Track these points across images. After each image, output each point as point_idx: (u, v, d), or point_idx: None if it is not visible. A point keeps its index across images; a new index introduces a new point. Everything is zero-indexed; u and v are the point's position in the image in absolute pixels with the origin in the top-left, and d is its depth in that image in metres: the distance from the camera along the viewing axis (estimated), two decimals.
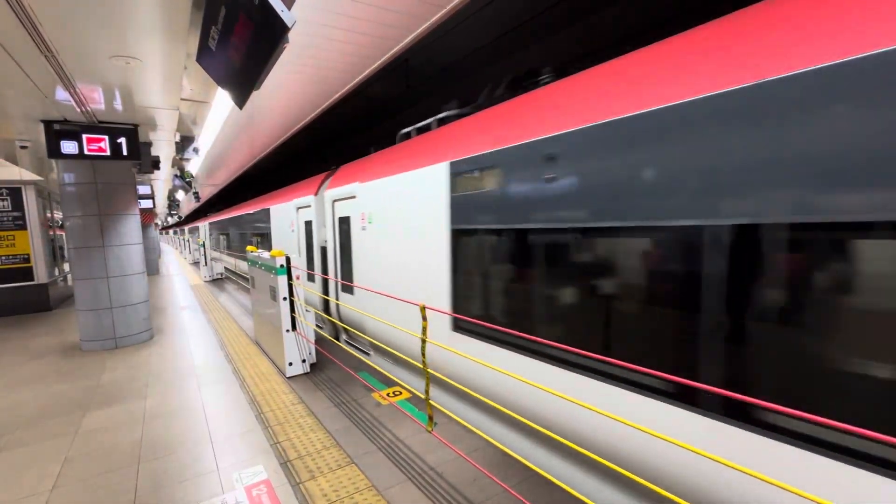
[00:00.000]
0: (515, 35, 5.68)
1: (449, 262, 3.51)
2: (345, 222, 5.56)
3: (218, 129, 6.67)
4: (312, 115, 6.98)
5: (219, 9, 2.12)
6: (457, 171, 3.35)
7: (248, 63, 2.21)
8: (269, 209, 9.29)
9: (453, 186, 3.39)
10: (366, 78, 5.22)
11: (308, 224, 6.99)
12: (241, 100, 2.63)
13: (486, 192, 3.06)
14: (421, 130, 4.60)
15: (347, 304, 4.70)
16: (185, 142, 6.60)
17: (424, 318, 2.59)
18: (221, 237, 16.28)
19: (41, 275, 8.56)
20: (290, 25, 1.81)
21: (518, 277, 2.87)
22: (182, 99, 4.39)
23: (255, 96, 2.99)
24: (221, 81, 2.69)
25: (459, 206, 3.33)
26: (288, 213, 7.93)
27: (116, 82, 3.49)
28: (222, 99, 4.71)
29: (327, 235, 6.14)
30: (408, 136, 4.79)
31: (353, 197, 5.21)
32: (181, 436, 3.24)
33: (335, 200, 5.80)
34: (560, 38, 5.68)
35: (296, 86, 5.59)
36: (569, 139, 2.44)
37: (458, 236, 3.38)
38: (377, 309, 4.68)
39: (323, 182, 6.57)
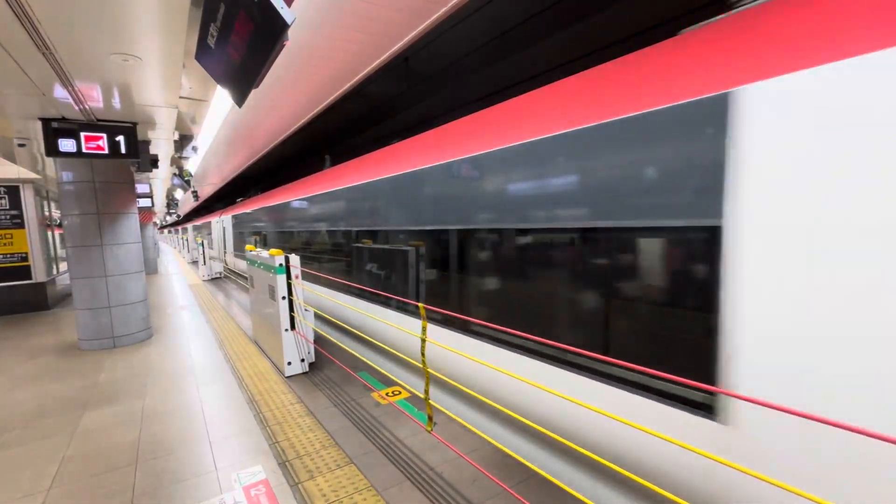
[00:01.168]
0: (515, 35, 5.67)
1: (233, 241, 15.07)
2: (224, 230, 16.31)
3: (217, 127, 6.65)
4: (312, 113, 6.98)
5: (218, 6, 2.10)
6: (234, 217, 14.52)
7: (248, 61, 2.19)
8: (210, 221, 20.00)
9: (234, 222, 14.64)
10: (365, 77, 5.21)
11: (217, 231, 17.54)
12: (240, 98, 2.61)
13: (238, 223, 13.99)
14: (244, 198, 15.33)
15: (235, 261, 14.87)
16: (183, 140, 6.58)
17: (424, 318, 2.58)
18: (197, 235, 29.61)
19: (39, 273, 8.53)
20: (289, 23, 1.80)
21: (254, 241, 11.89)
22: (181, 97, 4.37)
23: (255, 94, 2.98)
24: (220, 79, 2.67)
25: (235, 225, 14.42)
26: (214, 225, 18.29)
27: (115, 80, 3.47)
28: (221, 97, 4.69)
29: (222, 234, 16.45)
30: (236, 202, 16.41)
31: (222, 220, 16.41)
32: (179, 436, 3.23)
33: (222, 220, 16.22)
34: (560, 38, 5.67)
35: (295, 84, 5.58)
36: (245, 215, 12.82)
37: (236, 233, 14.49)
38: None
39: (222, 212, 16.22)
